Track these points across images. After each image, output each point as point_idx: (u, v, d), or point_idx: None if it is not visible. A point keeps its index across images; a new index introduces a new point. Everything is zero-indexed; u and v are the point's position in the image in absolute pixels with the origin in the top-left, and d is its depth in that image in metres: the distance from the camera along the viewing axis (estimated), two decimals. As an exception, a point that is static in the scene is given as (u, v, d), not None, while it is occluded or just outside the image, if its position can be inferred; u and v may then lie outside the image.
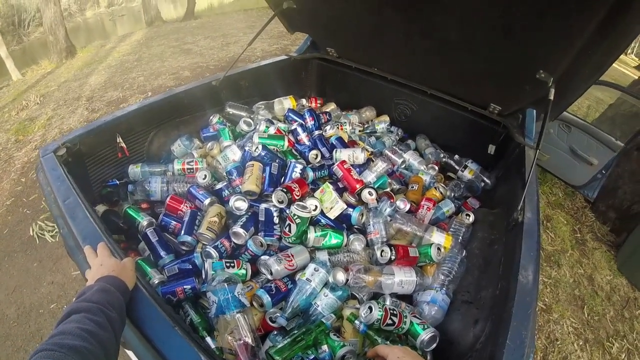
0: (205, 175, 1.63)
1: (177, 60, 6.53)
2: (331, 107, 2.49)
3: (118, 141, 1.72)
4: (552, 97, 1.45)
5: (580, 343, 2.49)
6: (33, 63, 8.08)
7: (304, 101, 2.46)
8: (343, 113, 2.44)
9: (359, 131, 2.26)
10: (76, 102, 5.07)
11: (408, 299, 1.35)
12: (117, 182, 1.70)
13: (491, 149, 2.01)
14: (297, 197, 1.45)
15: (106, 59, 7.05)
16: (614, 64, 1.44)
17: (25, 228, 3.02)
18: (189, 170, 1.73)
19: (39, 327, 2.28)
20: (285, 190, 1.42)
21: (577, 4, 1.13)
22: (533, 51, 1.43)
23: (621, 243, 3.30)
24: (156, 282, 1.25)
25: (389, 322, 1.13)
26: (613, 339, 2.57)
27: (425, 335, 1.11)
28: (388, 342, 1.11)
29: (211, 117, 2.07)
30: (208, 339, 1.13)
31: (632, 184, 3.51)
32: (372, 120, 2.45)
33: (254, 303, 1.23)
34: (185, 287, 1.22)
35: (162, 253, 1.36)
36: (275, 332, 1.19)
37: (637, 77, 5.02)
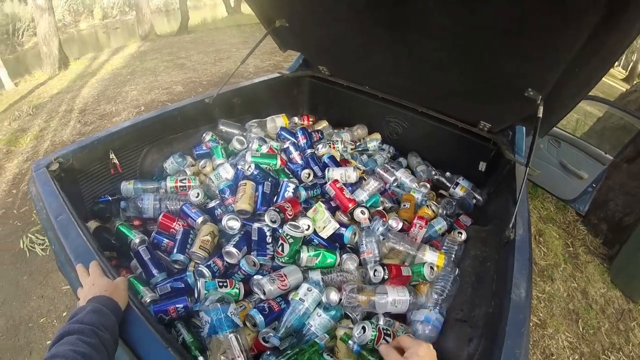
0: (198, 194, 1.63)
1: (170, 74, 6.53)
2: (323, 125, 2.51)
3: (111, 157, 1.71)
4: (540, 115, 1.46)
5: (576, 357, 2.47)
6: (26, 73, 8.02)
7: (296, 119, 2.47)
8: (335, 131, 2.45)
9: (351, 149, 2.26)
10: (68, 115, 5.04)
11: (402, 318, 1.34)
12: (110, 198, 1.70)
13: (482, 166, 2.03)
14: (289, 217, 1.45)
15: (99, 71, 7.03)
16: (601, 78, 1.45)
17: (15, 241, 2.98)
18: (181, 188, 1.73)
19: (28, 341, 2.24)
20: (277, 209, 1.42)
21: (563, 22, 1.14)
22: (521, 69, 1.44)
23: (614, 255, 3.31)
24: (148, 300, 1.25)
25: (383, 342, 1.12)
26: (609, 351, 2.56)
27: (418, 355, 1.11)
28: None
29: (204, 135, 2.07)
30: (200, 359, 1.12)
31: (622, 196, 3.56)
32: (363, 138, 2.47)
33: (247, 323, 1.22)
34: (177, 306, 1.21)
35: (155, 271, 1.35)
36: (269, 352, 1.17)
37: (624, 90, 5.10)
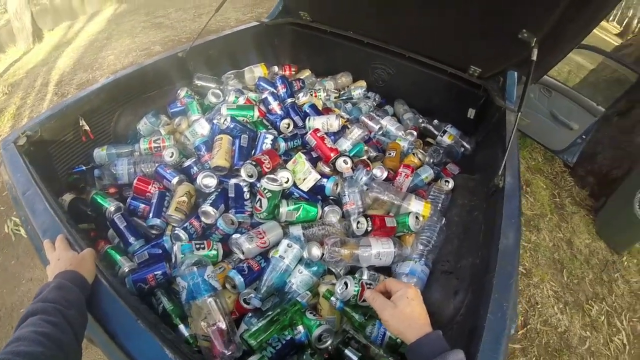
0: (173, 153, 1.55)
1: (148, 35, 6.30)
2: (306, 73, 2.41)
3: (81, 124, 1.62)
4: (534, 58, 1.41)
5: (560, 306, 2.54)
6: (0, 52, 7.70)
7: (276, 68, 2.36)
8: (318, 79, 2.36)
9: (335, 98, 2.19)
10: (45, 89, 4.88)
11: (387, 270, 1.31)
12: (84, 167, 1.62)
13: (471, 113, 1.98)
14: (267, 170, 1.38)
15: (75, 39, 6.77)
16: (595, 31, 1.42)
17: (0, 226, 2.90)
18: (156, 149, 1.65)
19: (22, 327, 2.23)
20: (254, 163, 1.35)
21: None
22: (515, 9, 1.39)
23: (599, 207, 3.36)
24: (126, 270, 1.20)
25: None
26: (592, 301, 2.63)
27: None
28: (366, 317, 1.08)
29: (179, 91, 1.97)
30: (181, 327, 1.09)
31: (611, 149, 3.56)
32: (348, 86, 2.38)
33: (227, 285, 1.19)
34: (156, 273, 1.16)
35: (131, 239, 1.31)
36: (250, 314, 1.15)
37: (618, 44, 5.03)
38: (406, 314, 0.81)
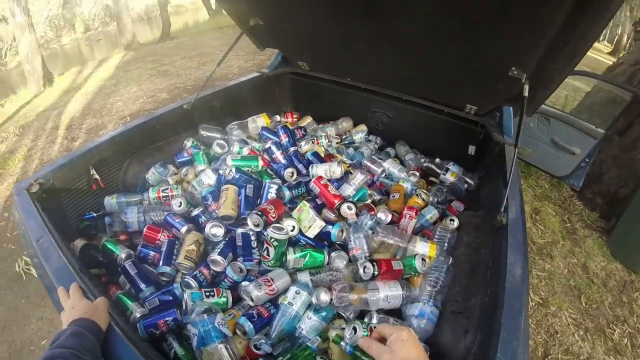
0: (181, 203, 1.59)
1: (155, 82, 6.49)
2: (307, 121, 2.47)
3: (91, 173, 1.68)
4: (526, 94, 1.44)
5: (581, 333, 2.47)
6: (12, 93, 7.95)
7: (278, 117, 2.43)
8: (320, 126, 2.41)
9: (337, 143, 2.23)
10: (55, 132, 5.02)
11: (397, 313, 1.31)
12: (95, 214, 1.66)
13: (471, 149, 2.01)
14: (272, 219, 1.41)
15: (84, 85, 6.99)
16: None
17: (11, 264, 2.94)
18: (164, 198, 1.69)
19: (32, 365, 2.21)
20: (260, 212, 1.38)
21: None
22: (503, 49, 1.41)
23: (611, 228, 3.31)
24: (138, 315, 1.22)
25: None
26: (614, 325, 2.56)
27: (414, 350, 1.08)
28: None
29: (185, 142, 2.03)
30: (193, 372, 1.09)
31: (616, 168, 3.56)
32: (349, 131, 2.44)
33: (237, 331, 1.19)
34: (167, 319, 1.18)
35: (142, 285, 1.33)
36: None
37: (611, 63, 5.08)
38: (403, 357, 0.78)
